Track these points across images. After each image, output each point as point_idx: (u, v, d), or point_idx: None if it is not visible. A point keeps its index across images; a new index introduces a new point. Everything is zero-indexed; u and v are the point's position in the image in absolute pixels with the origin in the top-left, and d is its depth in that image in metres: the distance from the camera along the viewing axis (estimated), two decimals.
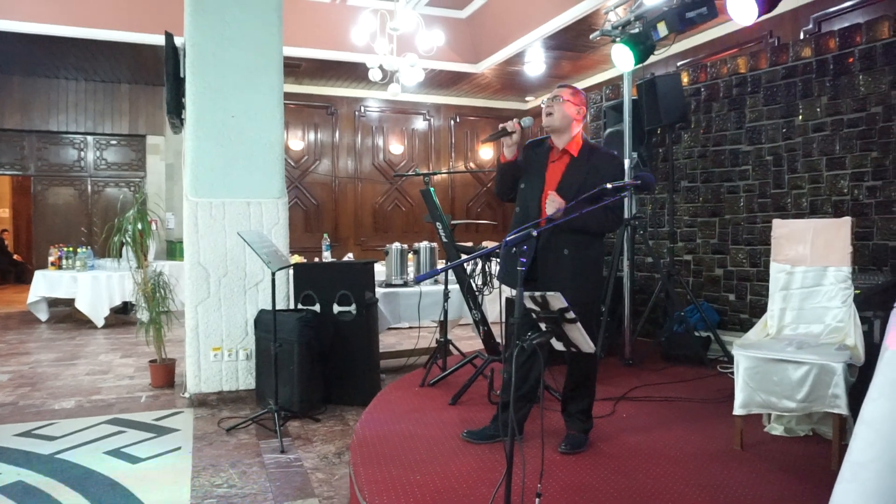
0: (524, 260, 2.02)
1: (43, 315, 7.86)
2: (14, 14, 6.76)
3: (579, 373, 2.89)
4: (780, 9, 3.71)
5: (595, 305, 2.80)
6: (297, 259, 5.75)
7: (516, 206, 2.93)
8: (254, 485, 2.95)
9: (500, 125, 2.78)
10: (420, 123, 10.66)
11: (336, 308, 4.21)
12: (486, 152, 11.02)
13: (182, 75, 4.38)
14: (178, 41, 4.47)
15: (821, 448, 2.81)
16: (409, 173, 6.01)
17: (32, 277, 7.76)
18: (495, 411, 3.05)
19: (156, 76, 8.75)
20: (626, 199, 4.50)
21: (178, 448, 3.45)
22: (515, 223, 2.83)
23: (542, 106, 2.87)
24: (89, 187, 9.50)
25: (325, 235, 7.07)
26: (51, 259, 7.87)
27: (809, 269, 3.11)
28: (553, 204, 2.67)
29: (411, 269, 5.39)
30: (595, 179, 2.70)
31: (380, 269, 5.20)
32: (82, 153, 9.44)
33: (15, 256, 13.50)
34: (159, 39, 5.18)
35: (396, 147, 10.50)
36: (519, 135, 2.79)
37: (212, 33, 4.28)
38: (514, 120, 2.77)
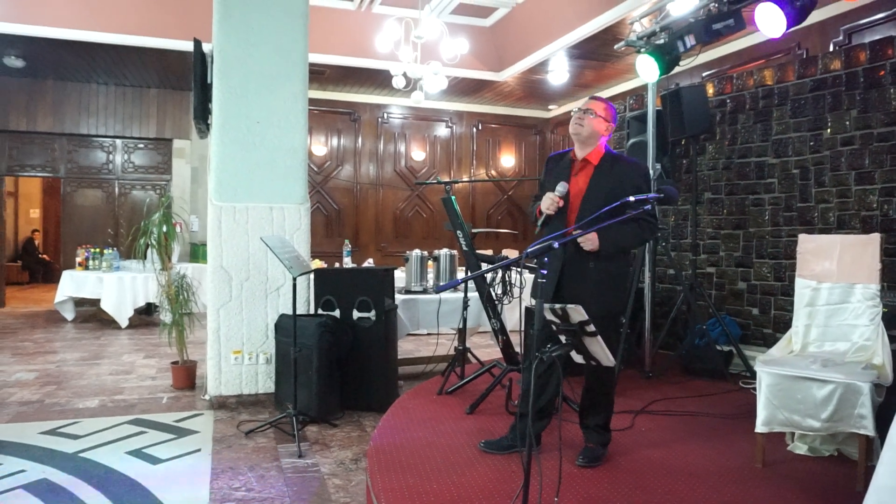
0: (545, 272, 2.01)
1: (69, 314, 8.01)
2: (48, 20, 6.93)
3: (597, 385, 2.87)
4: (808, 21, 3.66)
5: (617, 318, 2.79)
6: (317, 264, 5.79)
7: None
8: (271, 489, 2.97)
9: (544, 211, 2.77)
10: (442, 130, 10.69)
11: (356, 314, 4.23)
12: (507, 160, 11.01)
13: (209, 81, 4.45)
14: (205, 47, 4.55)
15: (846, 469, 2.75)
16: (431, 181, 6.03)
17: (60, 277, 7.92)
18: (512, 421, 3.04)
19: (183, 81, 8.90)
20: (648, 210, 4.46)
21: (198, 450, 3.48)
22: (539, 237, 2.84)
23: (573, 114, 2.88)
24: (116, 189, 9.67)
25: (347, 242, 7.11)
26: (78, 260, 8.03)
27: (836, 285, 3.05)
28: (588, 244, 2.67)
29: (431, 276, 5.40)
30: (621, 188, 2.71)
31: (399, 276, 5.22)
32: (111, 156, 9.62)
33: (42, 256, 13.79)
34: (187, 45, 5.28)
35: (418, 154, 10.54)
36: (560, 203, 2.80)
37: (238, 40, 4.35)
38: (555, 195, 2.76)
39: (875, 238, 2.97)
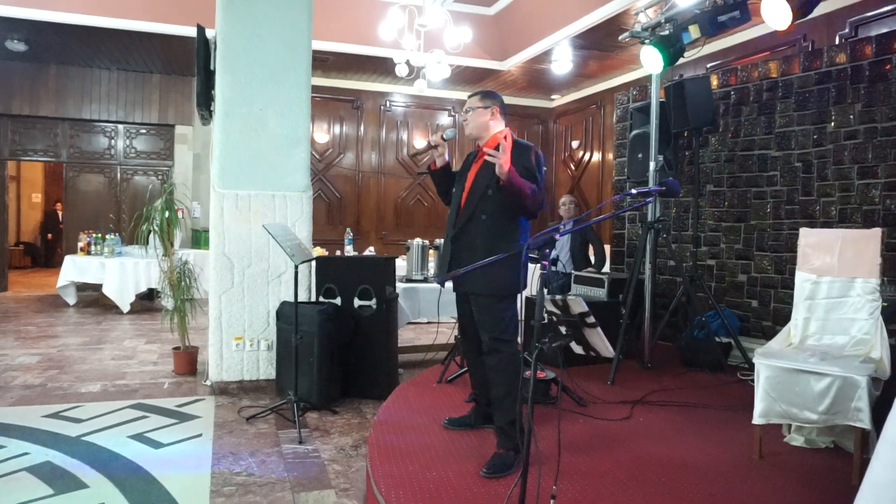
0: (546, 263, 2.02)
1: (71, 299, 8.04)
2: (51, 4, 6.90)
3: (495, 379, 2.75)
4: (814, 13, 3.64)
5: (506, 300, 2.74)
6: (318, 251, 5.79)
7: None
8: (272, 474, 3.00)
9: (427, 140, 2.96)
10: (445, 119, 10.66)
11: (357, 302, 4.25)
12: None
13: (212, 68, 4.44)
14: (209, 34, 4.53)
15: (842, 461, 2.77)
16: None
17: (62, 262, 7.94)
18: (470, 402, 3.25)
19: (186, 67, 8.87)
20: (649, 203, 4.46)
21: (199, 435, 3.52)
22: (447, 223, 2.96)
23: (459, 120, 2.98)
24: (119, 175, 9.67)
25: (349, 230, 7.12)
26: (80, 245, 8.05)
27: (836, 279, 3.06)
28: (498, 160, 2.58)
29: (432, 265, 5.41)
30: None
31: (400, 264, 5.23)
32: (113, 141, 9.61)
33: (48, 236, 13.83)
34: (190, 31, 5.26)
35: (420, 142, 10.51)
36: (444, 147, 3.00)
37: (242, 27, 4.33)
38: (438, 134, 3.00)
39: (876, 233, 2.97)
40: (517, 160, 2.74)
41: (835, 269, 3.06)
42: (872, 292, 2.95)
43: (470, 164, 2.98)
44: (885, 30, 4.73)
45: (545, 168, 2.83)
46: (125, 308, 7.56)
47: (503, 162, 2.57)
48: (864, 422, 2.55)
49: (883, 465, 1.41)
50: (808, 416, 2.71)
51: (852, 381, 2.57)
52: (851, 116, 4.28)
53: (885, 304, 3.10)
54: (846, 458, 2.78)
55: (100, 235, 8.07)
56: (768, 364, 2.79)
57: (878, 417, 2.46)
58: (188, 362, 4.86)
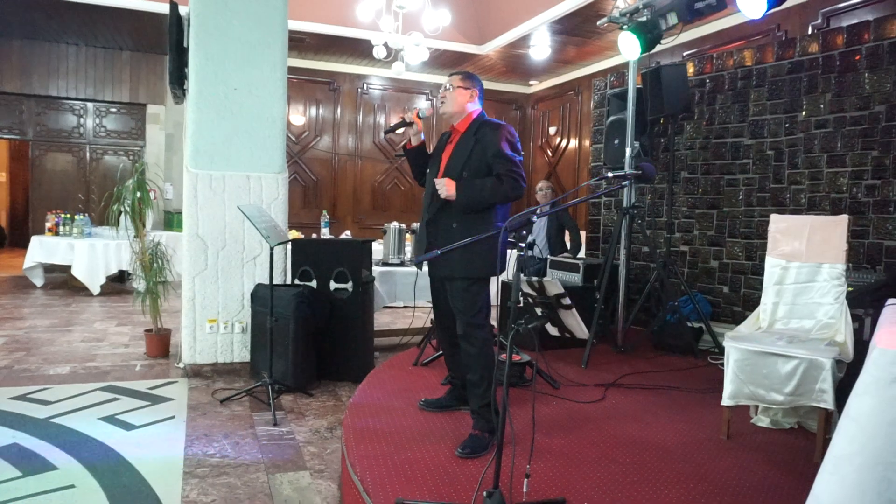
0: (523, 245, 2.03)
1: (38, 281, 7.87)
2: None
3: (468, 363, 2.78)
4: (788, 2, 3.70)
5: (478, 286, 2.77)
6: (294, 234, 5.75)
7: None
8: (246, 455, 2.99)
9: (401, 116, 2.94)
10: (422, 103, 10.59)
11: (333, 285, 4.23)
12: None
13: (185, 45, 4.35)
14: (182, 11, 4.43)
15: (805, 441, 2.86)
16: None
17: (28, 243, 7.75)
18: (448, 385, 3.26)
19: (157, 44, 8.66)
20: (624, 189, 4.51)
21: (172, 417, 3.49)
22: (423, 206, 2.95)
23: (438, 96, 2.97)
24: (88, 154, 9.44)
25: (325, 212, 7.07)
26: (48, 225, 7.86)
27: (804, 265, 3.13)
28: (443, 191, 2.72)
29: (409, 249, 5.40)
30: (481, 149, 2.77)
31: (377, 248, 5.22)
32: (82, 119, 9.38)
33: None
34: (161, 7, 5.14)
35: (410, 113, 10.46)
36: (419, 125, 2.97)
37: (216, 4, 4.24)
38: (413, 110, 2.95)
39: (843, 219, 3.04)
40: (485, 141, 2.74)
41: (803, 255, 3.13)
42: (838, 277, 3.02)
43: (444, 146, 2.96)
44: (855, 21, 4.82)
45: (519, 146, 2.81)
46: (95, 290, 7.42)
47: (448, 195, 2.69)
48: (828, 402, 2.63)
49: (844, 439, 1.46)
50: (775, 398, 2.79)
51: (817, 364, 2.65)
52: (822, 106, 4.36)
53: (850, 289, 3.19)
54: (810, 437, 2.86)
55: (68, 216, 7.89)
56: (738, 347, 2.85)
57: (841, 399, 2.54)
58: (161, 345, 4.80)
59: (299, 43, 8.54)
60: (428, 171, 2.99)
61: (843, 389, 2.55)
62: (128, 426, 3.32)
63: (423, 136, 3.03)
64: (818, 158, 4.38)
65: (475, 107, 2.91)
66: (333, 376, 4.21)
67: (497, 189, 2.70)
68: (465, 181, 2.71)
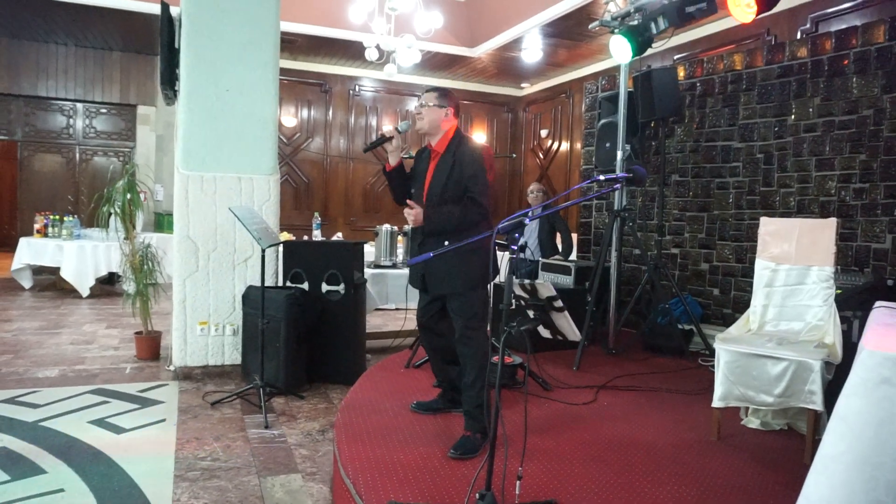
0: (515, 247, 2.04)
1: (27, 283, 7.80)
2: None
3: (463, 364, 2.80)
4: (778, 7, 3.72)
5: (478, 289, 2.80)
6: (286, 236, 5.74)
7: None
8: (237, 458, 2.98)
9: (379, 133, 2.94)
10: (414, 105, 10.61)
11: (324, 287, 4.22)
12: (478, 137, 10.99)
13: (177, 46, 4.33)
14: (173, 11, 4.41)
15: (795, 442, 2.88)
16: (404, 156, 5.99)
17: (16, 244, 7.68)
18: (437, 387, 3.27)
19: (148, 45, 8.63)
20: (616, 191, 4.53)
21: (163, 420, 3.46)
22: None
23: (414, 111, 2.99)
24: (77, 155, 9.38)
25: (316, 214, 7.06)
26: (36, 226, 7.79)
27: (793, 267, 3.16)
28: (410, 218, 2.79)
29: (401, 251, 5.40)
30: (456, 172, 2.81)
31: (369, 250, 5.21)
32: (71, 120, 9.32)
33: None
34: (152, 7, 5.11)
35: (389, 128, 10.46)
36: (399, 140, 2.96)
37: (208, 5, 4.23)
38: (392, 126, 2.97)
39: (832, 222, 3.07)
40: (463, 163, 2.79)
41: (792, 257, 3.16)
42: (827, 280, 3.05)
43: (425, 166, 2.96)
44: (844, 26, 4.87)
45: (487, 168, 2.85)
46: (84, 292, 7.36)
47: (414, 222, 2.77)
48: (817, 404, 2.65)
49: (833, 439, 1.48)
50: (765, 399, 2.81)
51: (806, 365, 2.67)
52: (810, 110, 4.40)
53: (839, 291, 3.22)
54: (799, 439, 2.89)
55: (57, 217, 7.83)
56: (728, 349, 2.87)
57: (830, 400, 2.56)
58: (151, 347, 4.77)
59: (291, 44, 8.53)
60: (413, 191, 2.99)
61: (831, 391, 2.58)
62: (118, 429, 3.29)
63: (403, 155, 3.02)
64: (807, 162, 4.42)
65: (450, 124, 2.93)
66: (325, 378, 4.20)
67: (459, 216, 2.77)
68: (432, 210, 2.78)
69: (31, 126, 9.11)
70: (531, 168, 10.62)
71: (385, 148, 2.99)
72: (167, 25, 4.35)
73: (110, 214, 4.73)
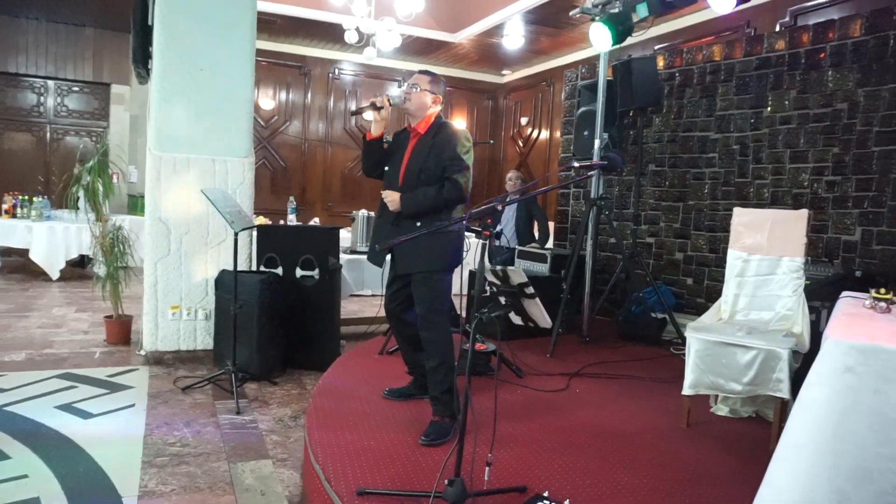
0: (489, 233, 2.03)
1: None
2: None
3: (428, 349, 2.79)
4: None
5: (442, 277, 2.80)
6: (261, 220, 5.66)
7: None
8: (207, 444, 2.95)
9: (370, 99, 2.90)
10: (394, 91, 10.50)
11: (299, 272, 4.18)
12: (459, 123, 10.92)
13: (150, 23, 4.22)
14: None
15: (762, 429, 2.93)
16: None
17: None
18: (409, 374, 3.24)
19: (122, 22, 8.39)
20: (592, 179, 4.54)
21: (132, 405, 3.41)
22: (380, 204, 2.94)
23: (403, 91, 2.96)
24: (48, 134, 9.15)
25: (291, 198, 6.97)
26: (4, 207, 7.60)
27: (765, 257, 3.20)
28: (390, 204, 2.81)
29: None
30: (434, 156, 2.80)
31: (345, 236, 5.17)
32: (42, 98, 9.07)
33: None
34: None
35: (369, 113, 10.35)
36: (388, 111, 2.92)
37: None
38: (384, 94, 2.92)
39: (803, 214, 3.11)
40: (442, 146, 2.78)
41: (764, 248, 3.20)
42: (797, 270, 3.09)
43: (404, 146, 2.94)
44: (821, 19, 4.91)
45: (469, 153, 2.83)
46: (54, 275, 7.21)
47: (394, 209, 2.79)
48: (784, 392, 2.69)
49: (797, 427, 1.49)
50: (734, 387, 2.84)
51: (775, 354, 2.71)
52: (787, 102, 4.44)
53: (808, 282, 3.26)
54: (766, 426, 2.93)
55: (26, 197, 7.64)
56: (699, 338, 2.90)
57: (797, 388, 2.60)
58: (121, 331, 4.69)
59: (270, 25, 8.38)
60: (387, 169, 2.96)
61: (799, 379, 2.61)
62: (85, 414, 3.24)
63: (382, 128, 2.97)
64: (781, 154, 4.47)
65: (436, 109, 2.93)
66: (299, 364, 4.17)
67: (436, 196, 2.75)
68: (408, 194, 2.77)
69: None
70: (511, 156, 10.61)
71: (374, 117, 2.92)
72: (140, 1, 4.24)
73: (80, 196, 4.62)
